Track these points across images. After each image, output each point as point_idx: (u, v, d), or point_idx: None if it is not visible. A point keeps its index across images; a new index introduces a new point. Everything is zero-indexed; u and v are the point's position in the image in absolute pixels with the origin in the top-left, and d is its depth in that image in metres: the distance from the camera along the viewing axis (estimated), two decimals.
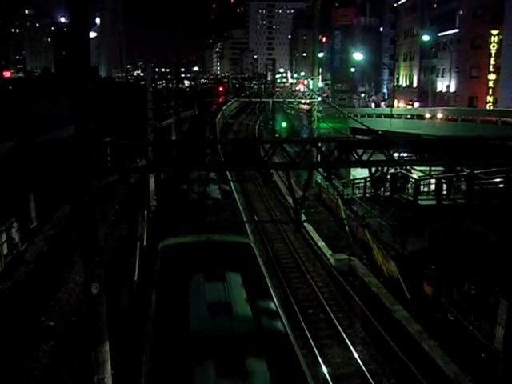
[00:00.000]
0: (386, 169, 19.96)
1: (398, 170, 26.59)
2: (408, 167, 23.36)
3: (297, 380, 8.90)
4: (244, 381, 8.30)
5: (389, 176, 26.91)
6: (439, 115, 49.45)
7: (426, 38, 64.35)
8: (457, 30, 60.12)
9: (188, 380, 8.54)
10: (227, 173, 24.15)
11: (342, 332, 18.06)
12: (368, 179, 29.18)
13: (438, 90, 65.56)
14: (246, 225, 17.01)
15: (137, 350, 10.54)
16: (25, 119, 51.27)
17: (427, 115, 51.50)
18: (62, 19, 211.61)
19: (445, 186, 25.48)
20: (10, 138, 42.43)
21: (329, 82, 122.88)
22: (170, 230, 15.15)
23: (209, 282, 11.32)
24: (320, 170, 13.64)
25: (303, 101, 47.94)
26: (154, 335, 9.94)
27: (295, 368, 9.12)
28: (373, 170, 12.56)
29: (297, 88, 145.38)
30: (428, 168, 24.27)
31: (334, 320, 18.92)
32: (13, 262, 23.51)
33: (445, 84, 63.59)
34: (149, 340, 9.85)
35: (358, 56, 77.25)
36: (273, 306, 11.00)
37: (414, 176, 26.60)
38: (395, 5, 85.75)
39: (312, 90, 39.13)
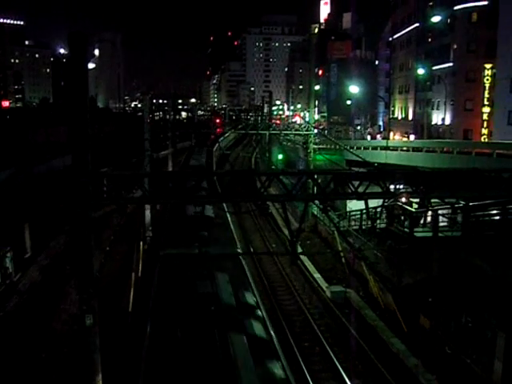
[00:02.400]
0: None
1: (395, 202, 26.58)
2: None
3: None
4: None
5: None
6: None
7: (420, 71, 65.12)
8: (451, 64, 60.93)
9: None
10: (223, 204, 24.17)
11: (338, 365, 17.84)
12: (364, 211, 29.16)
13: (434, 122, 66.05)
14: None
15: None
16: (22, 148, 51.41)
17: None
18: (62, 50, 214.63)
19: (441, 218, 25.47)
20: (7, 167, 42.57)
21: (325, 114, 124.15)
22: None
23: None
24: (316, 201, 13.69)
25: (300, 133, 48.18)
26: None
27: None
28: (370, 201, 12.58)
29: (293, 120, 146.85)
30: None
31: (331, 353, 18.72)
32: (6, 292, 23.28)
33: (440, 117, 64.09)
34: None
35: (354, 89, 77.93)
36: None
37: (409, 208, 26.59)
38: (390, 39, 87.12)
39: (308, 123, 39.41)
